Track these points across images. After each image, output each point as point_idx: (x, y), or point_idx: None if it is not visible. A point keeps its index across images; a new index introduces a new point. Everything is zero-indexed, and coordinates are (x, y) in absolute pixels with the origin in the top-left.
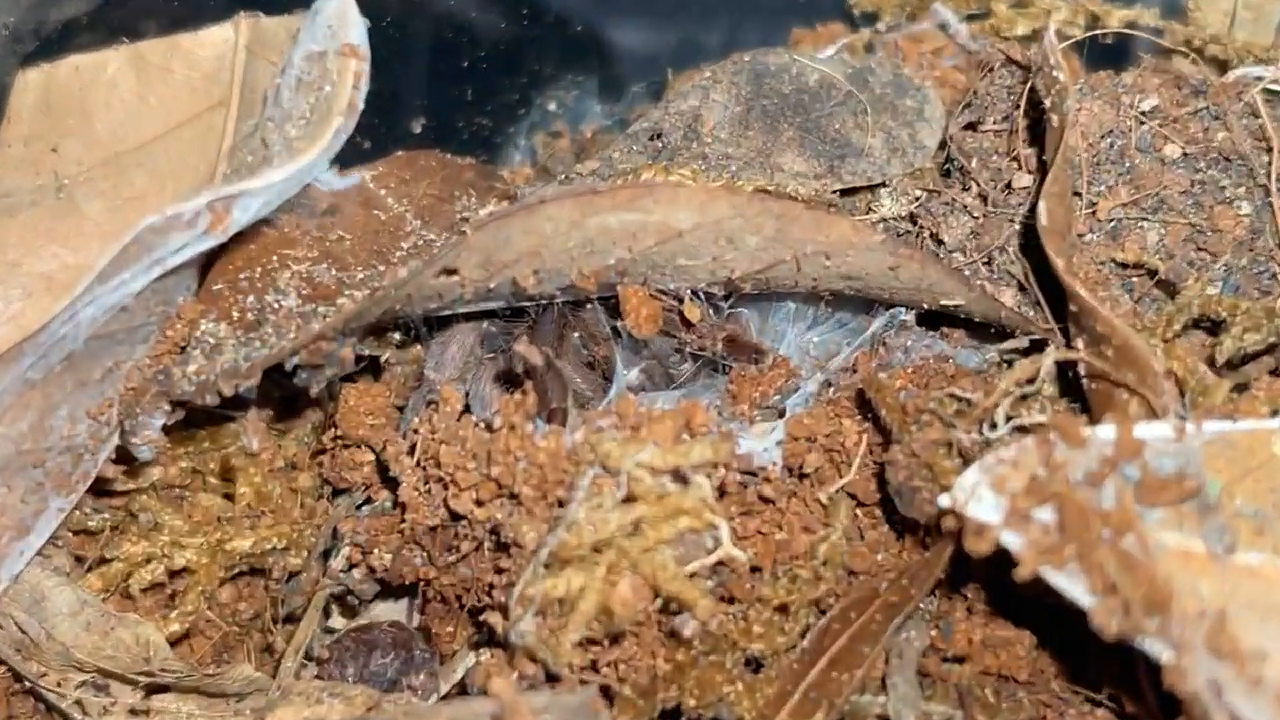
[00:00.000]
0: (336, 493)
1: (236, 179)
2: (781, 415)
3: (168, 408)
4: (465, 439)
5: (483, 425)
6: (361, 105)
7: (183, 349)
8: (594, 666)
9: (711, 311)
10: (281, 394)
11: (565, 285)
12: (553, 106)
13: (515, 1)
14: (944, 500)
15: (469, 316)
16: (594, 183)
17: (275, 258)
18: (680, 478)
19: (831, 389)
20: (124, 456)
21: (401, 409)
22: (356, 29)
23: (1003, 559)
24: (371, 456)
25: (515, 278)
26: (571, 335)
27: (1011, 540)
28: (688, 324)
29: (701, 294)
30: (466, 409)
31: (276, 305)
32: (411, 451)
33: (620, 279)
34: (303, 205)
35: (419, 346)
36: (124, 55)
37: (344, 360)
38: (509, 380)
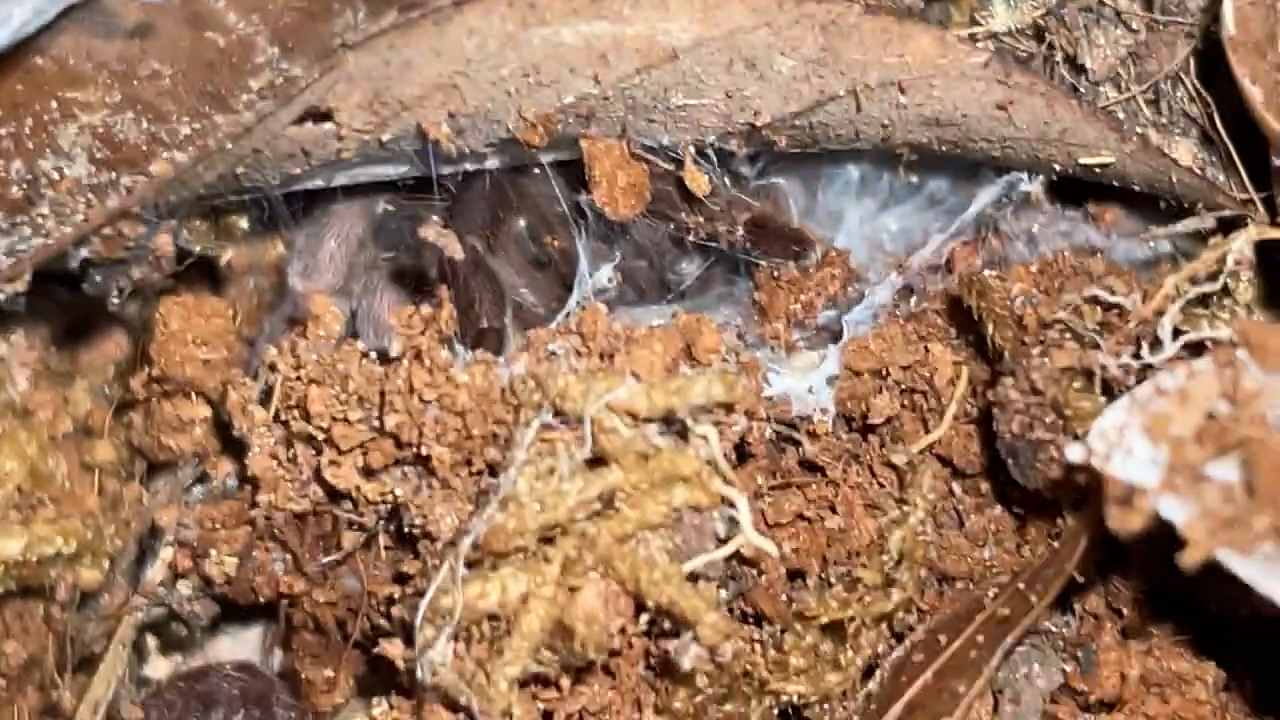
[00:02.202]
0: (153, 468)
1: None
2: (836, 339)
3: None
4: (348, 376)
5: (374, 355)
6: None
7: None
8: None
9: (728, 181)
10: (67, 315)
11: (499, 139)
12: None
13: None
14: (1076, 453)
15: (353, 190)
16: None
17: (55, 103)
18: (676, 429)
19: (914, 298)
20: None
21: (251, 340)
22: None
23: (1166, 541)
24: (206, 410)
25: (421, 125)
26: (511, 218)
27: (1175, 510)
28: (691, 200)
29: (712, 152)
30: (351, 332)
31: (56, 174)
32: (266, 399)
33: (584, 127)
34: (95, 22)
35: (278, 239)
36: None
37: (159, 254)
38: (415, 287)
